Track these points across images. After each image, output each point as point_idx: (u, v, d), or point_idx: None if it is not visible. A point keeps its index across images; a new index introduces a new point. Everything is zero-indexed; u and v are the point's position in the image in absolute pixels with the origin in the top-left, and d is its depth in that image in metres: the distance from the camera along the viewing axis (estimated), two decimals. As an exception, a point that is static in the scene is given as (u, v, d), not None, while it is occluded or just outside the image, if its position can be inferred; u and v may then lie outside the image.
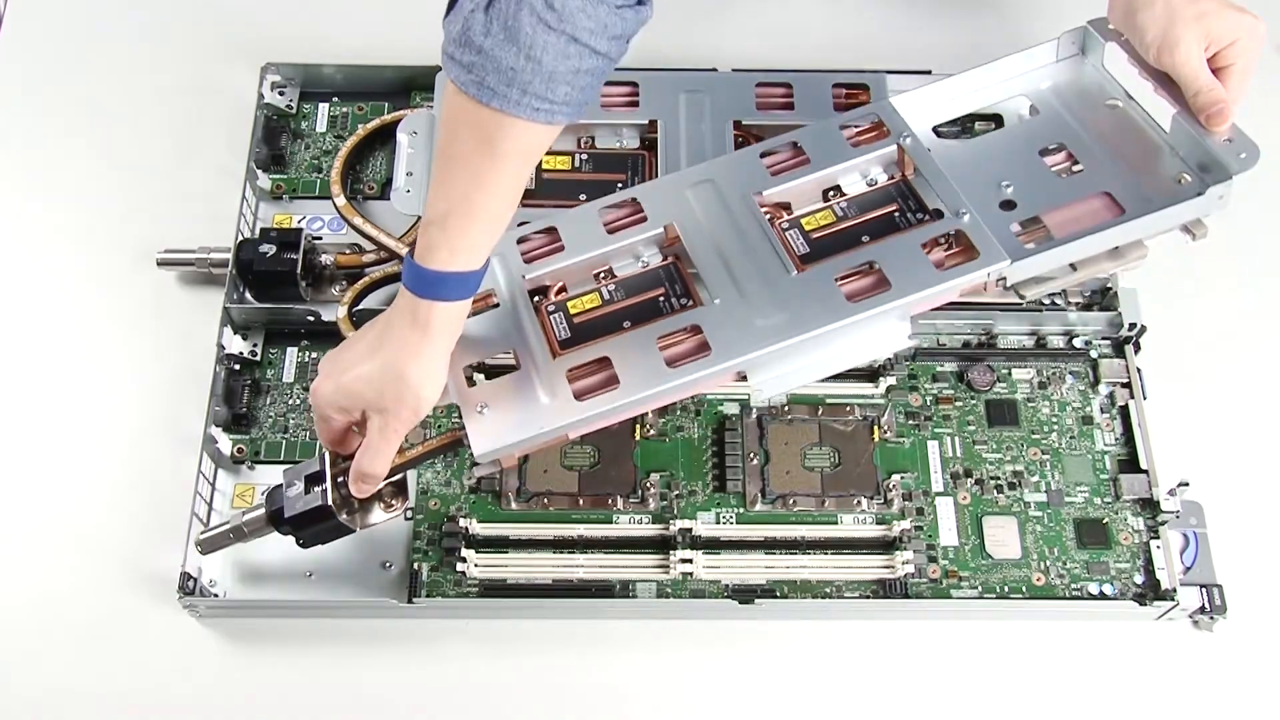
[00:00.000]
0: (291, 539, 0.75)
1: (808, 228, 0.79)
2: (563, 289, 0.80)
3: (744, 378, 0.75)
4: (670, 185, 0.82)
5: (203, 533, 0.77)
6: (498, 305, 0.78)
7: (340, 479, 0.73)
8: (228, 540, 0.76)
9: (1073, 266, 0.76)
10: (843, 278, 0.76)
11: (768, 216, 0.78)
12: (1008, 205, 0.77)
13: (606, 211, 0.81)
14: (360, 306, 0.88)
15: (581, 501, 0.84)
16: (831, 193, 0.82)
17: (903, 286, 0.74)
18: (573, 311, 0.78)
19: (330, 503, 0.72)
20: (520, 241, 0.80)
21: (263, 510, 0.75)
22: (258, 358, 0.89)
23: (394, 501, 0.76)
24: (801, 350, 0.74)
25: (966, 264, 0.74)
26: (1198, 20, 0.73)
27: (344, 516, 0.73)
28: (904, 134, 0.81)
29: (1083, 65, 0.83)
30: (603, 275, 0.80)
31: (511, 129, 0.63)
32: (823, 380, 0.87)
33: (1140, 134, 0.79)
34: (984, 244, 0.74)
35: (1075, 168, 0.79)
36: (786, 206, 0.81)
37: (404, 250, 0.89)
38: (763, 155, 0.82)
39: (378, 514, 0.75)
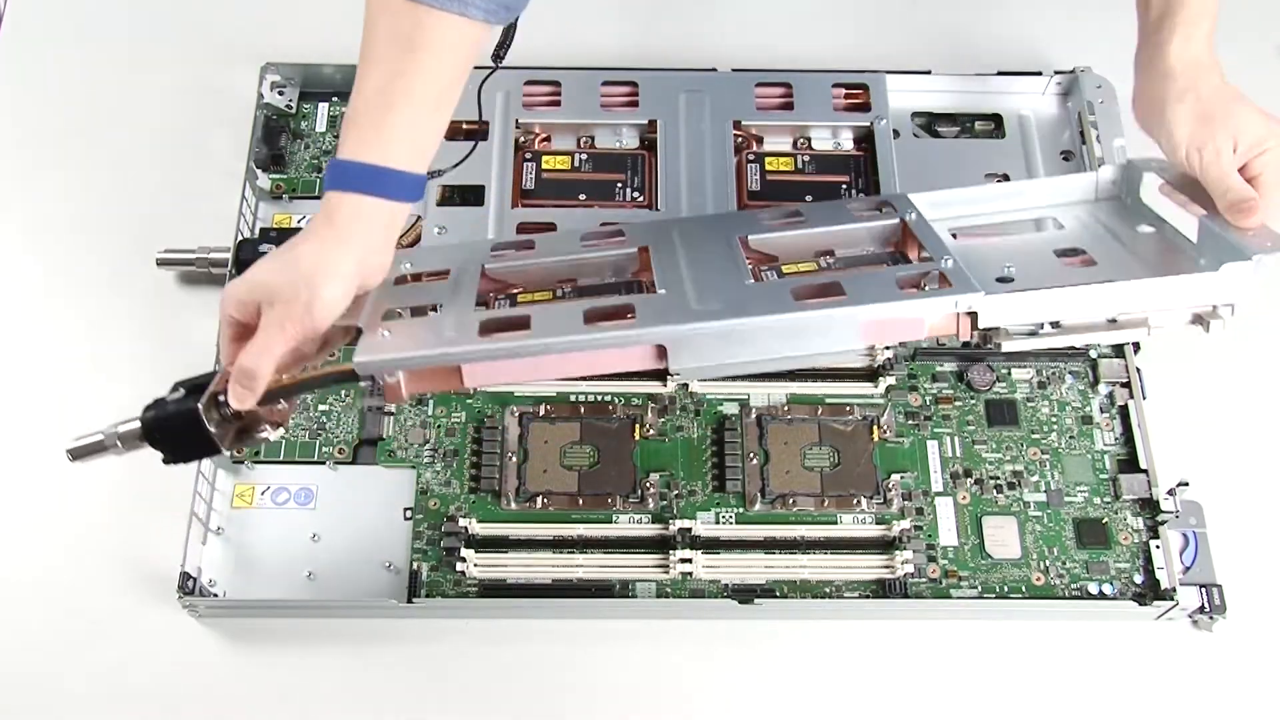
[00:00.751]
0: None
1: (787, 272, 0.75)
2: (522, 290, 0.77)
3: (664, 356, 0.69)
4: (659, 223, 0.80)
5: (76, 439, 0.71)
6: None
7: (222, 396, 0.69)
8: (99, 449, 0.71)
9: (1057, 326, 0.71)
10: (801, 292, 0.70)
11: (750, 266, 0.73)
12: (1005, 280, 0.70)
13: (588, 237, 0.79)
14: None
15: (581, 501, 0.84)
16: (824, 257, 0.77)
17: (856, 297, 0.68)
18: (520, 300, 0.75)
19: (200, 407, 0.67)
20: (495, 249, 0.78)
21: (138, 420, 0.70)
22: (257, 357, 0.89)
23: (268, 430, 0.72)
24: (730, 338, 0.68)
25: (934, 290, 0.69)
26: (1228, 121, 0.71)
27: (214, 429, 0.68)
28: (909, 212, 0.76)
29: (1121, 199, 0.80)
30: (565, 285, 0.77)
31: (426, 18, 0.65)
32: (821, 379, 0.88)
33: (1168, 245, 0.74)
34: (959, 280, 0.68)
35: (1090, 268, 0.73)
36: (774, 259, 0.78)
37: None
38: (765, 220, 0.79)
39: (250, 439, 0.72)
